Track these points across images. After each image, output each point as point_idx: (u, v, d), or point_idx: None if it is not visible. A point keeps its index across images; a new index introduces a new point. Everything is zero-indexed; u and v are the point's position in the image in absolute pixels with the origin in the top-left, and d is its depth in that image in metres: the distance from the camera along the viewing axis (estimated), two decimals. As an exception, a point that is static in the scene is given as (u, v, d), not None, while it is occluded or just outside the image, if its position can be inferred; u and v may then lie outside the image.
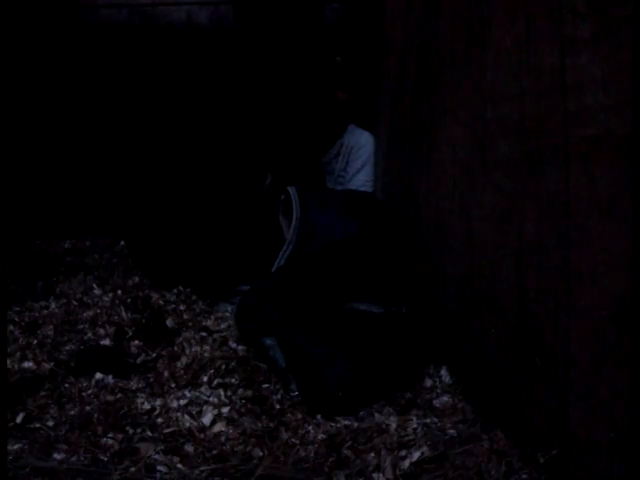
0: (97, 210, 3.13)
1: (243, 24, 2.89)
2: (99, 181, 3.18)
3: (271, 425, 1.39)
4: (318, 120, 2.61)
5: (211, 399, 1.50)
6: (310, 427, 1.40)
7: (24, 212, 2.77)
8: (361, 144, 2.59)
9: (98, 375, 1.60)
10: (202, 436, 1.36)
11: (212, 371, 1.62)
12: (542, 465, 1.16)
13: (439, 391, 1.55)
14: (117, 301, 2.14)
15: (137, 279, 2.37)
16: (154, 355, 1.74)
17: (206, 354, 1.72)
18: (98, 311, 2.05)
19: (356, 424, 1.40)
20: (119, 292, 2.23)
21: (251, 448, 1.31)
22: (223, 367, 1.64)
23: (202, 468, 1.24)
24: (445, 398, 1.51)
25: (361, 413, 1.46)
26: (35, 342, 1.81)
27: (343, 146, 2.63)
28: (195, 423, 1.40)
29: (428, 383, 1.59)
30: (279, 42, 2.74)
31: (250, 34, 2.85)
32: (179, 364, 1.67)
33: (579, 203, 1.06)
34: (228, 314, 2.04)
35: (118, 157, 3.21)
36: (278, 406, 1.49)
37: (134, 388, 1.57)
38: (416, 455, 1.25)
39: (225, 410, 1.45)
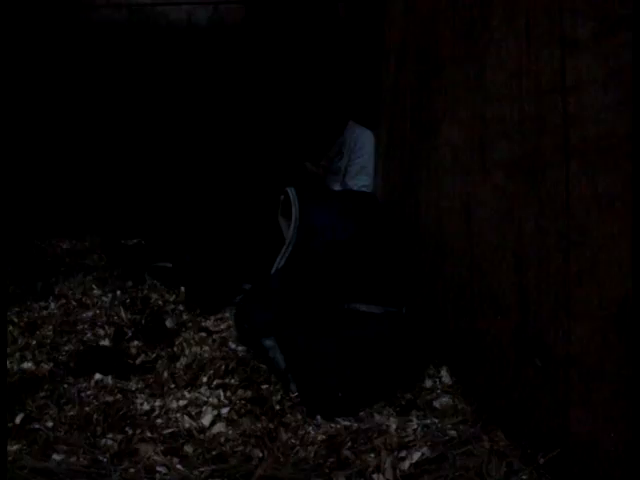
0: (97, 210, 3.13)
1: (254, 22, 2.89)
2: (98, 181, 3.18)
3: (271, 426, 1.39)
4: (316, 121, 2.61)
5: (211, 400, 1.50)
6: (310, 428, 1.39)
7: (24, 212, 2.76)
8: (362, 142, 2.59)
9: (97, 376, 1.60)
10: (202, 437, 1.36)
11: (212, 372, 1.62)
12: (542, 466, 1.16)
13: (439, 392, 1.55)
14: (116, 302, 2.14)
15: (136, 279, 2.37)
16: (153, 356, 1.74)
17: (206, 355, 1.72)
18: (97, 311, 2.05)
19: (356, 425, 1.40)
20: (118, 292, 2.23)
21: (251, 449, 1.31)
22: (223, 368, 1.64)
23: (202, 469, 1.24)
24: (445, 399, 1.51)
25: (361, 414, 1.45)
26: (34, 343, 1.81)
27: (345, 144, 2.63)
28: (195, 424, 1.40)
29: (428, 384, 1.58)
30: (292, 40, 2.74)
31: (262, 32, 2.84)
32: (178, 365, 1.67)
33: (579, 203, 1.06)
34: (228, 314, 2.04)
35: (117, 157, 3.20)
36: (278, 407, 1.49)
37: (133, 389, 1.56)
38: (416, 456, 1.24)
39: (225, 411, 1.45)
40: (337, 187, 2.65)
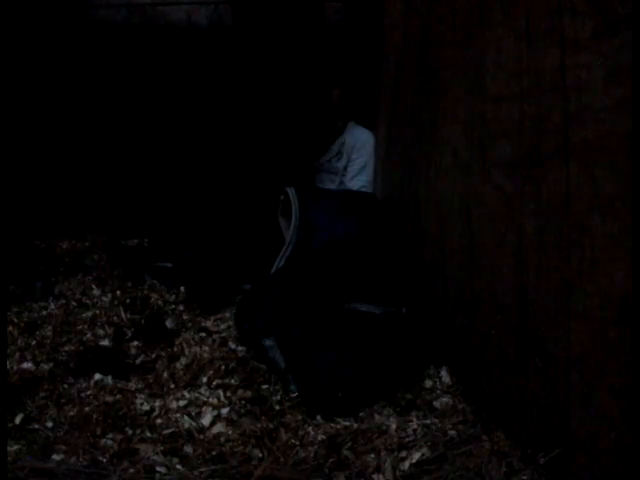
0: (96, 210, 3.13)
1: (241, 24, 2.88)
2: (98, 181, 3.18)
3: (271, 426, 1.39)
4: (312, 121, 2.60)
5: (210, 400, 1.50)
6: (310, 428, 1.39)
7: (24, 212, 2.76)
8: (362, 142, 2.59)
9: (97, 376, 1.60)
10: (201, 437, 1.36)
11: (211, 372, 1.62)
12: (543, 466, 1.16)
13: (439, 392, 1.55)
14: (116, 302, 2.14)
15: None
16: (153, 356, 1.74)
17: (205, 355, 1.71)
18: (97, 312, 2.05)
19: (356, 425, 1.40)
20: (118, 292, 2.23)
21: (251, 449, 1.31)
22: (222, 368, 1.63)
23: (201, 469, 1.24)
24: (445, 399, 1.51)
25: (361, 414, 1.45)
26: (34, 343, 1.81)
27: (344, 144, 2.63)
28: (194, 424, 1.40)
29: (428, 384, 1.58)
30: (278, 42, 2.72)
31: (248, 34, 2.83)
32: (178, 365, 1.67)
33: (579, 203, 1.06)
34: (228, 314, 2.03)
35: (117, 157, 3.20)
36: (278, 407, 1.48)
37: (133, 389, 1.56)
38: (416, 456, 1.24)
39: (224, 411, 1.45)
40: (333, 186, 2.65)
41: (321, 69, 2.64)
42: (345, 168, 2.63)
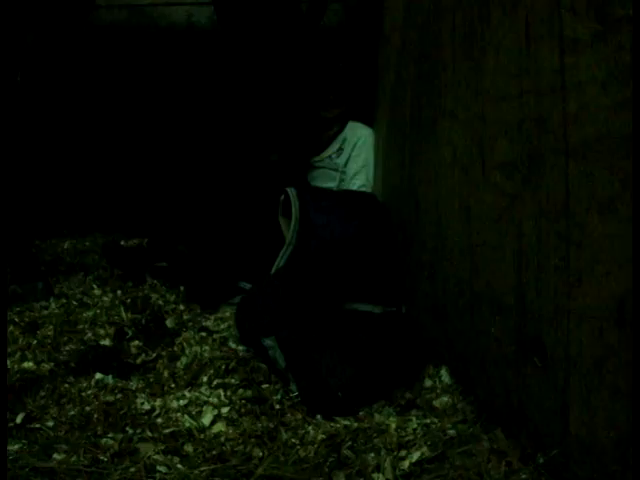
0: (97, 210, 3.13)
1: (225, 25, 2.86)
2: (99, 181, 3.18)
3: (271, 425, 1.39)
4: (305, 122, 2.59)
5: (211, 399, 1.50)
6: (310, 427, 1.40)
7: (24, 212, 2.76)
8: (363, 140, 2.58)
9: (98, 375, 1.60)
10: (202, 436, 1.36)
11: (212, 371, 1.62)
12: (542, 465, 1.16)
13: (439, 391, 1.55)
14: (117, 301, 2.14)
15: (137, 279, 2.37)
16: (154, 355, 1.74)
17: (206, 354, 1.72)
18: (98, 311, 2.05)
19: (356, 424, 1.40)
20: (119, 292, 2.23)
21: (251, 448, 1.31)
22: (223, 367, 1.64)
23: (202, 468, 1.24)
24: (445, 398, 1.51)
25: (361, 413, 1.46)
26: (35, 342, 1.82)
27: (345, 141, 2.63)
28: (195, 423, 1.40)
29: (428, 383, 1.58)
30: (262, 43, 2.71)
31: (233, 35, 2.81)
32: (179, 364, 1.68)
33: (579, 203, 1.06)
34: (228, 314, 2.04)
35: (117, 156, 3.21)
36: (278, 406, 1.49)
37: (134, 388, 1.57)
38: (416, 455, 1.25)
39: (225, 410, 1.45)
40: (333, 184, 2.64)
41: (318, 70, 2.63)
42: (345, 165, 2.63)
